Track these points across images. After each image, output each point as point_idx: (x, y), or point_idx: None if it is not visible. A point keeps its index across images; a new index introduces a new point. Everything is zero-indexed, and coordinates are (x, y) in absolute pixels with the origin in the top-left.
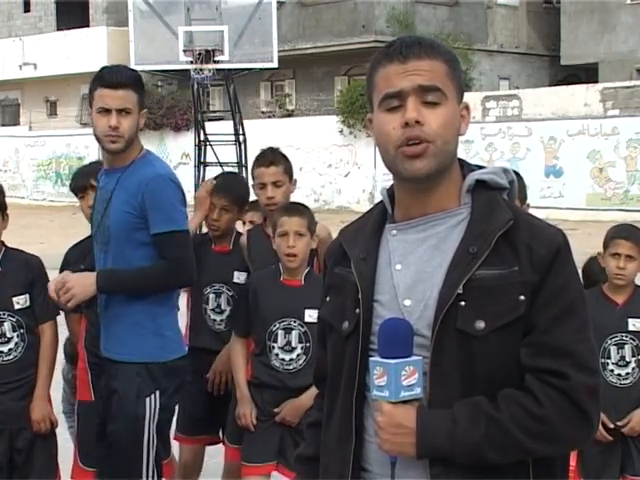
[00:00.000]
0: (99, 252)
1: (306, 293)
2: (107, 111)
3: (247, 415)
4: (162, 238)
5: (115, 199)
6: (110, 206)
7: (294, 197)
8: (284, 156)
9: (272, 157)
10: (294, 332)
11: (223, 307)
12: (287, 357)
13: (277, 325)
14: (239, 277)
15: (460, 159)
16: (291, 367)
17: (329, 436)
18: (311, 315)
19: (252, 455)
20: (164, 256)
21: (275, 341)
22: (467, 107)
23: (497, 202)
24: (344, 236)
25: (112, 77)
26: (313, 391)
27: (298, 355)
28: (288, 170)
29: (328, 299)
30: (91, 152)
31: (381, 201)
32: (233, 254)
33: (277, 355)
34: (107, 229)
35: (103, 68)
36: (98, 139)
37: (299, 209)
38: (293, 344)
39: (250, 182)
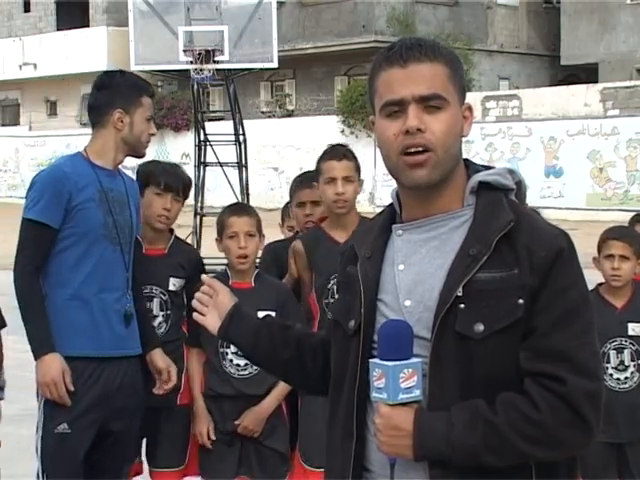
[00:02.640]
0: (120, 253)
1: (257, 295)
2: (151, 119)
3: (204, 434)
4: (137, 242)
5: (131, 201)
6: (131, 208)
7: None
8: (354, 154)
9: (345, 151)
10: None
11: None
12: (242, 362)
13: None
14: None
15: (466, 159)
16: (246, 372)
17: (333, 434)
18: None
19: (211, 472)
20: (136, 257)
21: (228, 346)
22: (469, 108)
23: (500, 203)
24: (355, 236)
25: (152, 88)
26: (273, 397)
27: None
28: (358, 168)
29: (338, 296)
30: None
31: (392, 202)
32: None
33: (231, 361)
34: (131, 229)
35: (137, 75)
36: (137, 143)
37: (247, 209)
38: None
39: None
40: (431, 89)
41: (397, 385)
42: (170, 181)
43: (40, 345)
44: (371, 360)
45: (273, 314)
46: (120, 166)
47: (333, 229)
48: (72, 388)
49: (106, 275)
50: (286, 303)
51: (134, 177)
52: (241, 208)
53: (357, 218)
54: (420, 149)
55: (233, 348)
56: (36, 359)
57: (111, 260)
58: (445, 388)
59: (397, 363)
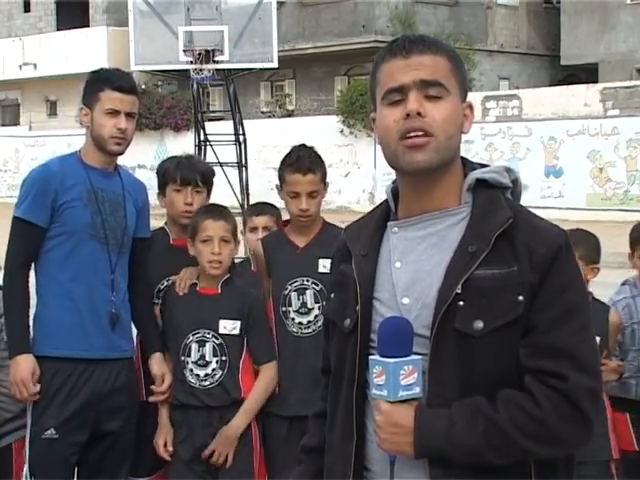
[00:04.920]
0: (107, 253)
1: (222, 302)
2: (116, 113)
3: (160, 445)
4: (147, 243)
5: (127, 202)
6: (127, 209)
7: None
8: (321, 160)
9: (310, 164)
10: (208, 345)
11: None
12: (202, 372)
13: (191, 338)
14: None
15: (462, 157)
16: (207, 383)
17: (333, 435)
18: (226, 326)
19: None
20: (141, 259)
21: (189, 355)
22: (470, 106)
23: (498, 201)
24: (348, 233)
25: (124, 81)
26: (242, 416)
27: (213, 370)
28: (325, 176)
29: (332, 296)
30: None
31: (386, 199)
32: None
33: (192, 370)
34: (124, 230)
35: (108, 70)
36: (100, 139)
37: (224, 213)
38: (207, 358)
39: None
40: (432, 75)
41: (397, 382)
42: (185, 174)
43: (15, 345)
44: (371, 357)
45: (238, 323)
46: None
47: (294, 234)
48: (36, 389)
49: (93, 275)
50: (251, 312)
51: (134, 177)
52: (218, 211)
53: (320, 223)
54: (420, 133)
55: (193, 357)
56: (10, 358)
57: (98, 260)
58: (445, 385)
59: (398, 360)
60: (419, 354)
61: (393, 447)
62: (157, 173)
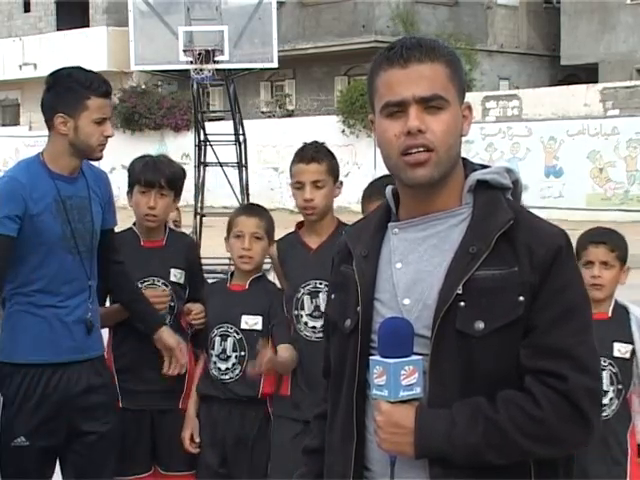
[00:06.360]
0: (80, 262)
1: (247, 298)
2: (104, 120)
3: (186, 439)
4: (113, 233)
5: (93, 203)
6: (93, 212)
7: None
8: (329, 153)
9: (314, 153)
10: (230, 339)
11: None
12: (223, 366)
13: (215, 331)
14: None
15: (463, 158)
16: (226, 377)
17: (333, 435)
18: (247, 322)
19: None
20: (111, 250)
21: (213, 348)
22: (469, 107)
23: (499, 202)
24: (349, 234)
25: (106, 85)
26: (288, 355)
27: (233, 365)
28: (332, 170)
29: (333, 297)
30: None
31: (387, 200)
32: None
33: (214, 363)
34: (92, 235)
35: (85, 74)
36: (88, 148)
37: (259, 210)
38: (228, 352)
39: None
40: (432, 90)
41: (398, 382)
42: (149, 177)
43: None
44: (371, 357)
45: (259, 319)
46: (120, 165)
47: (307, 234)
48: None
49: (64, 285)
50: (270, 308)
51: (95, 170)
52: (253, 209)
53: (334, 223)
54: (421, 149)
55: (216, 350)
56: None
57: (70, 270)
58: (445, 386)
59: (398, 360)
60: (420, 354)
61: (393, 447)
62: (127, 171)
